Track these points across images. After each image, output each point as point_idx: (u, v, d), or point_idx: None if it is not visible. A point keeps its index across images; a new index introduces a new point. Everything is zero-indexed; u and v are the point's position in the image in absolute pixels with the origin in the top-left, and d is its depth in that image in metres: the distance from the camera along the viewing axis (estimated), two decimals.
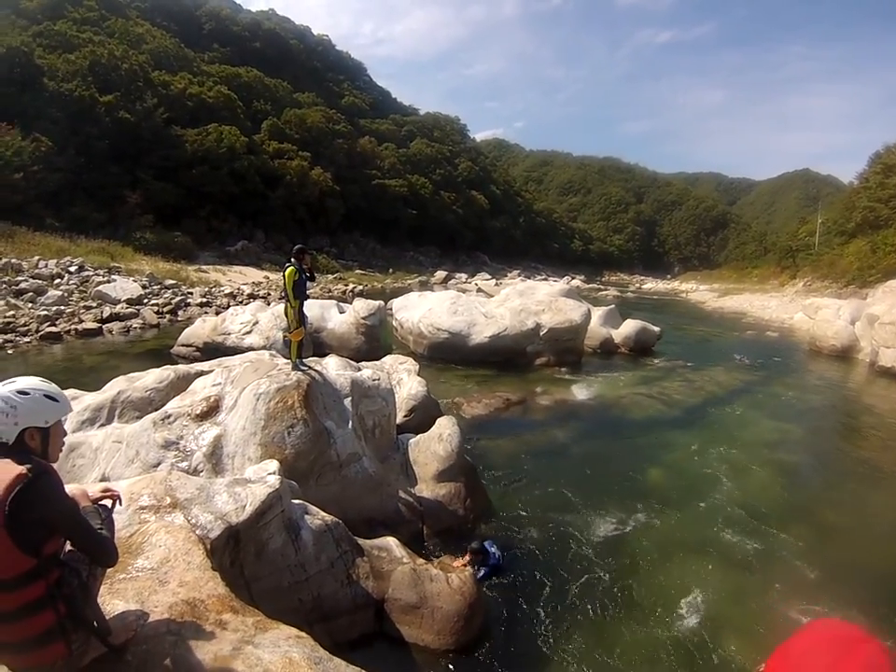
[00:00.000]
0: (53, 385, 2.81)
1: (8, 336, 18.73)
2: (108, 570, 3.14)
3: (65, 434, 2.93)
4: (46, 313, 21.12)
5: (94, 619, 2.81)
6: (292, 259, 8.10)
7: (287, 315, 8.21)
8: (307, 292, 8.40)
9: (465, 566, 6.37)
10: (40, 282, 24.49)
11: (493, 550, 6.98)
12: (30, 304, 21.97)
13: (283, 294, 8.36)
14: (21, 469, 2.44)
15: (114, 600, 3.23)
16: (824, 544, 8.41)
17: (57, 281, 25.82)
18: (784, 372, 21.65)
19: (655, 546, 7.99)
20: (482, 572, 6.69)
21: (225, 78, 71.85)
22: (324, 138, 76.44)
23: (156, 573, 3.58)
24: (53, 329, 19.94)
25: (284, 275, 7.99)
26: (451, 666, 5.44)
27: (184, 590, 3.47)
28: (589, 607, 6.52)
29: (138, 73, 53.87)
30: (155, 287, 29.16)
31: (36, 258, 28.17)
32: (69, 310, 22.27)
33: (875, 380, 21.11)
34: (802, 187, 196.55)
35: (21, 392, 2.63)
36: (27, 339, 18.89)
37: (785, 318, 40.19)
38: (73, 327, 20.73)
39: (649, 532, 8.40)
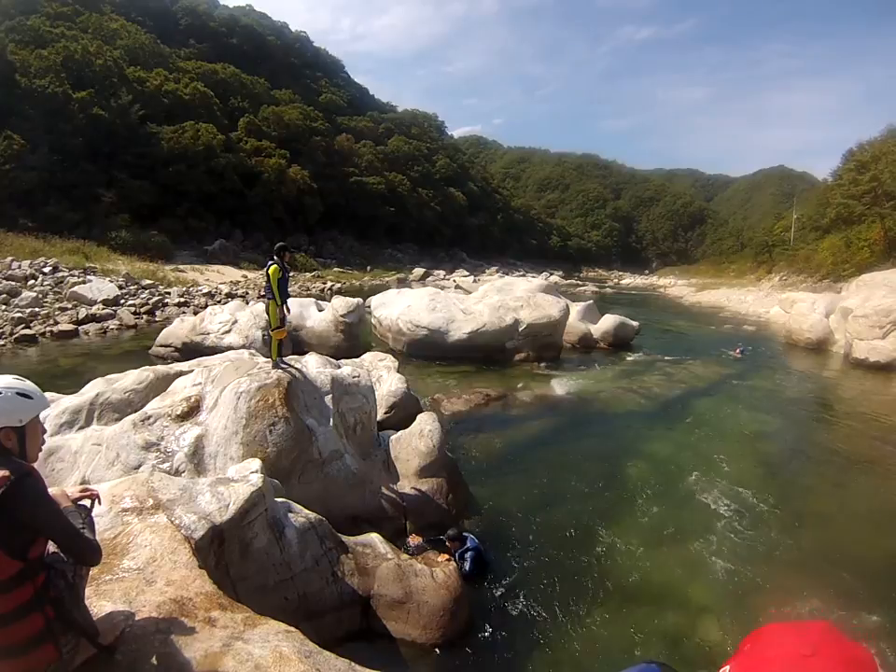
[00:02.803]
0: (27, 381, 2.76)
1: None
2: (94, 572, 3.14)
3: (45, 432, 2.90)
4: (20, 315, 20.81)
5: (82, 620, 2.80)
6: (275, 257, 8.09)
7: (268, 314, 8.18)
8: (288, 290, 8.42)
9: (448, 560, 6.40)
10: (13, 283, 24.14)
11: (470, 536, 7.03)
12: (3, 306, 21.62)
13: (264, 292, 8.32)
14: (3, 472, 2.42)
15: (101, 601, 3.22)
16: (803, 530, 8.58)
17: (31, 282, 25.47)
18: (761, 365, 21.96)
19: (638, 537, 8.10)
20: (468, 562, 6.70)
21: (201, 75, 71.15)
22: (302, 136, 76.01)
23: (142, 573, 3.58)
24: (28, 331, 19.65)
25: (268, 273, 7.96)
26: (438, 660, 5.49)
27: (171, 589, 3.47)
28: (573, 598, 6.59)
29: (113, 69, 53.16)
30: (132, 288, 28.82)
31: (9, 258, 27.80)
32: (44, 312, 21.98)
33: (849, 371, 21.50)
34: (777, 183, 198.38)
35: None
36: (1, 342, 18.61)
37: (761, 312, 40.76)
38: (48, 329, 20.44)
39: (631, 524, 8.51)
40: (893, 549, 8.11)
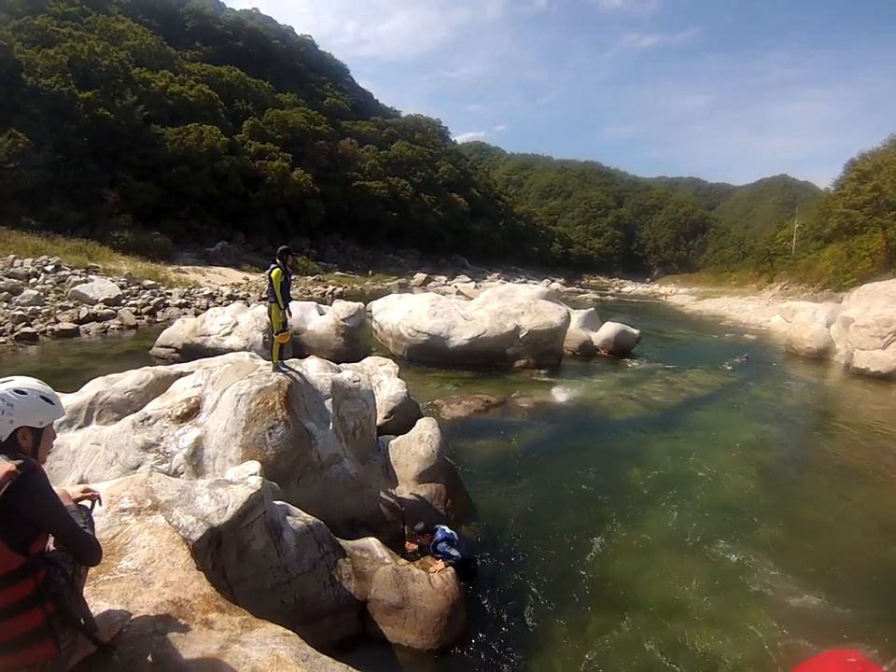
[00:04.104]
0: (48, 387, 2.84)
1: None
2: (92, 571, 3.15)
3: (55, 436, 2.96)
4: (21, 313, 20.84)
5: (81, 616, 2.82)
6: (277, 260, 8.08)
7: (271, 317, 8.17)
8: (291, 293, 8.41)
9: (447, 566, 6.36)
10: (15, 281, 24.18)
11: (440, 528, 6.88)
12: (5, 304, 21.66)
13: (266, 295, 8.31)
14: (11, 465, 2.44)
15: (98, 602, 3.21)
16: (803, 540, 8.57)
17: (33, 280, 25.50)
18: (762, 374, 21.93)
19: (636, 546, 8.09)
20: (452, 550, 6.54)
21: (206, 77, 71.22)
22: (305, 139, 76.08)
23: (140, 574, 3.57)
24: (29, 329, 19.68)
25: (270, 276, 7.96)
26: (435, 666, 5.48)
27: (169, 590, 3.46)
28: (570, 606, 6.58)
29: (118, 70, 53.26)
30: (133, 288, 28.87)
31: (12, 256, 27.84)
32: (45, 310, 22.01)
33: (850, 381, 21.50)
34: (779, 192, 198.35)
35: (17, 391, 2.66)
36: (1, 339, 18.62)
37: (762, 321, 40.78)
38: (49, 327, 20.47)
39: (629, 532, 8.49)
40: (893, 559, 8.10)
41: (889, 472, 11.87)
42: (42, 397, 2.74)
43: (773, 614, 6.57)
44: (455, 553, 6.53)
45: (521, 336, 20.10)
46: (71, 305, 23.35)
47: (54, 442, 7.11)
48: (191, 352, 16.13)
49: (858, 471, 11.92)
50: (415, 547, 6.97)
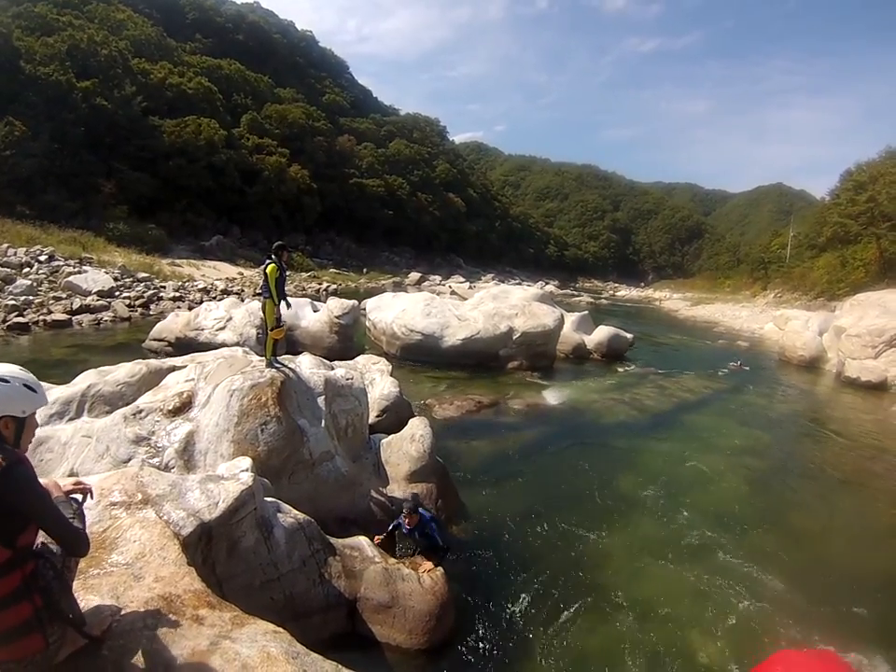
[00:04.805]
0: (31, 374, 2.78)
1: None
2: (82, 565, 3.15)
3: (37, 425, 2.92)
4: (14, 302, 20.70)
5: (70, 610, 2.81)
6: (272, 256, 8.06)
7: (265, 313, 8.15)
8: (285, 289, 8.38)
9: (436, 565, 6.34)
10: (8, 270, 24.01)
11: (425, 513, 6.69)
12: None
13: (260, 291, 8.28)
14: None
15: (88, 596, 3.20)
16: (791, 547, 8.58)
17: (26, 270, 25.34)
18: (754, 381, 21.98)
19: (625, 549, 8.10)
20: (435, 535, 6.40)
21: (206, 70, 71.14)
22: (303, 135, 76.09)
23: (130, 568, 3.56)
24: (21, 319, 19.57)
25: (266, 272, 7.92)
26: (423, 666, 5.48)
27: (160, 585, 3.46)
28: (559, 607, 6.59)
29: (117, 60, 53.11)
30: (127, 280, 28.71)
31: (5, 245, 27.67)
32: (38, 300, 21.89)
33: (841, 390, 21.63)
34: (775, 200, 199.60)
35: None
36: None
37: (755, 328, 40.89)
38: (42, 318, 20.35)
39: (619, 536, 8.51)
40: (880, 567, 8.16)
41: (877, 481, 11.96)
42: (25, 385, 2.69)
43: (759, 616, 6.61)
44: (438, 536, 6.43)
45: (514, 338, 20.12)
46: (64, 296, 23.22)
47: (46, 434, 7.16)
48: (184, 346, 16.06)
49: (847, 479, 12.01)
50: (382, 538, 6.73)
